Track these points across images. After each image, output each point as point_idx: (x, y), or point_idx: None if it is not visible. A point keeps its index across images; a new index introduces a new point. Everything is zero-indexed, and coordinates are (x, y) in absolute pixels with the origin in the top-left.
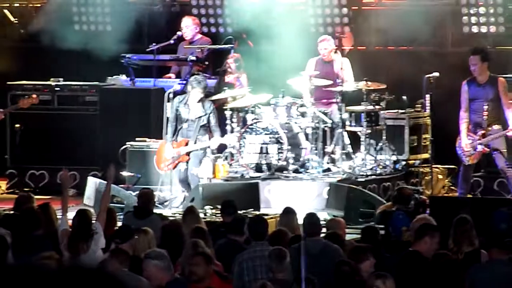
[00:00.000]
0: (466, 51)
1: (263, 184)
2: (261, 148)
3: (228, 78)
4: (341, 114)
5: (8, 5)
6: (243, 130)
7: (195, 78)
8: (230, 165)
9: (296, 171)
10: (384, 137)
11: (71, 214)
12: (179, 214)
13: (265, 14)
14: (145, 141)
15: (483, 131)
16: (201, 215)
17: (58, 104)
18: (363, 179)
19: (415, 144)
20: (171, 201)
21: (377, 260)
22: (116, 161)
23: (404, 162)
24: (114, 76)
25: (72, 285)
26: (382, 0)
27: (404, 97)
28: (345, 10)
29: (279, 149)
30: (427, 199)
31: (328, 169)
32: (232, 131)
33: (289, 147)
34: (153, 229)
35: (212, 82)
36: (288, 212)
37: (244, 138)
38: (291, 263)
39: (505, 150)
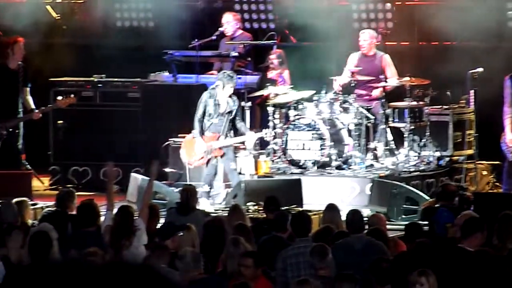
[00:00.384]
0: (511, 46)
1: (306, 180)
2: (304, 144)
3: (270, 74)
4: (384, 110)
5: (50, 1)
6: (285, 126)
7: (226, 74)
8: (273, 161)
9: (339, 167)
10: (427, 133)
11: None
12: (222, 210)
13: (308, 9)
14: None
15: None
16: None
17: (101, 100)
18: (406, 176)
19: (459, 140)
20: (214, 197)
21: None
22: (159, 157)
23: (448, 158)
24: (157, 73)
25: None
26: None
27: (448, 93)
28: (388, 5)
29: (321, 145)
30: (471, 195)
31: (371, 165)
32: (274, 127)
33: (332, 143)
34: (196, 226)
35: (254, 78)
36: (332, 209)
37: (287, 134)
38: (335, 260)
39: None
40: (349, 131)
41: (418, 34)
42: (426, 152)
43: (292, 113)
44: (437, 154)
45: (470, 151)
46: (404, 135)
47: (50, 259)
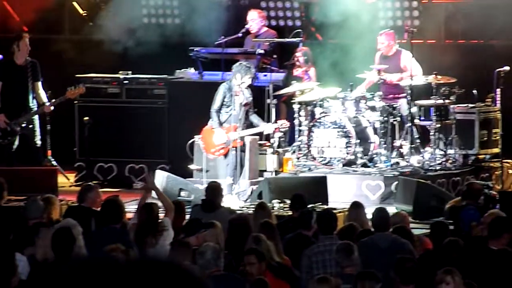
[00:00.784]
0: None
1: (331, 178)
2: (329, 142)
3: (296, 72)
4: (410, 108)
5: None
6: (311, 124)
7: (243, 65)
8: (298, 158)
9: (364, 165)
10: (453, 132)
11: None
12: (247, 207)
13: (334, 7)
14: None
15: None
16: None
17: (127, 97)
18: (432, 174)
19: (485, 138)
20: (239, 194)
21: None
22: (184, 154)
23: (473, 157)
24: (183, 69)
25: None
26: None
27: (475, 91)
28: (415, 3)
29: (347, 143)
30: (497, 194)
31: (397, 164)
32: (300, 125)
33: (358, 141)
34: (221, 223)
35: (280, 75)
36: (357, 206)
37: (312, 131)
38: (360, 258)
39: None
40: (375, 129)
41: (445, 32)
42: (452, 151)
43: (317, 110)
44: (463, 152)
45: (496, 150)
46: (430, 133)
47: (73, 255)
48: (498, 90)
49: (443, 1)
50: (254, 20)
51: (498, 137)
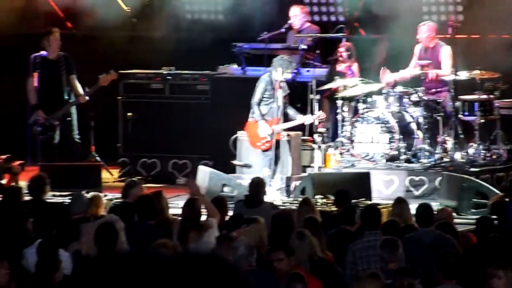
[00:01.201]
0: None
1: (375, 173)
2: (372, 137)
3: (339, 67)
4: (453, 103)
5: None
6: (354, 119)
7: (285, 59)
8: (341, 154)
9: (408, 160)
10: (498, 127)
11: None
12: (290, 203)
13: (378, 2)
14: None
15: None
16: None
17: (170, 93)
18: (476, 169)
19: None
20: (283, 190)
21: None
22: (227, 150)
23: None
24: (225, 65)
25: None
26: None
27: None
28: None
29: (390, 138)
30: None
31: (441, 159)
32: (343, 121)
33: (401, 136)
34: (264, 218)
35: (322, 71)
36: (401, 202)
37: (355, 127)
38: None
39: None
40: (418, 124)
41: (489, 26)
42: (496, 146)
43: (361, 106)
44: (508, 147)
45: None
46: (474, 129)
47: (116, 250)
48: None
49: None
50: (297, 16)
51: None
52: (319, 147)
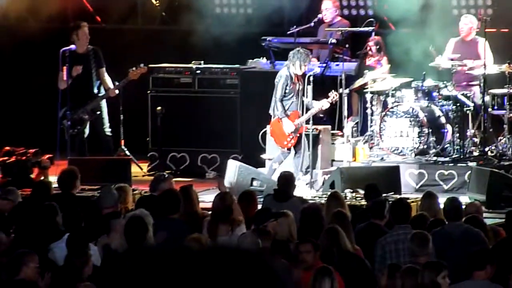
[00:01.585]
0: None
1: (404, 167)
2: (402, 131)
3: (368, 61)
4: (483, 97)
5: None
6: (383, 113)
7: (303, 52)
8: (370, 148)
9: (437, 154)
10: None
11: (211, 197)
12: (319, 197)
13: None
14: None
15: None
16: None
17: (199, 87)
18: (505, 163)
19: None
20: (311, 184)
21: None
22: (256, 144)
23: None
24: (255, 59)
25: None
26: None
27: None
28: None
29: (419, 132)
30: None
31: (470, 153)
32: (372, 115)
33: (430, 130)
34: (293, 212)
35: (352, 65)
36: (429, 196)
37: (385, 121)
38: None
39: None
40: (448, 118)
41: None
42: None
43: (390, 100)
44: None
45: None
46: (504, 122)
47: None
48: None
49: None
50: (328, 9)
51: None
52: (349, 141)
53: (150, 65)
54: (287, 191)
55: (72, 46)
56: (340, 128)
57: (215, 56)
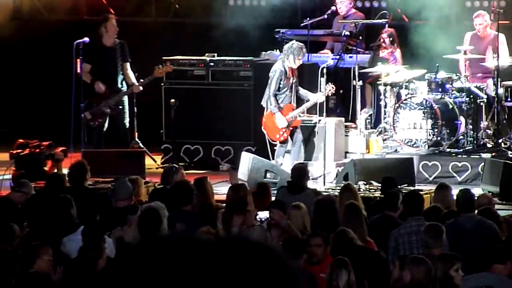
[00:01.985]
0: None
1: (418, 159)
2: (415, 123)
3: (382, 53)
4: (496, 89)
5: None
6: (397, 105)
7: (296, 46)
8: (384, 140)
9: (450, 146)
10: None
11: (225, 189)
12: (332, 189)
13: None
14: (299, 116)
15: None
16: None
17: (212, 79)
18: None
19: None
20: (325, 176)
21: None
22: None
23: None
24: (268, 51)
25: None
26: None
27: None
28: None
29: (433, 124)
30: None
31: (483, 145)
32: (385, 107)
33: (444, 122)
34: (307, 204)
35: (365, 57)
36: (443, 188)
37: (398, 113)
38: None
39: None
40: (461, 110)
41: None
42: None
43: (403, 92)
44: None
45: None
46: None
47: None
48: None
49: None
50: (343, 2)
51: None
52: (362, 133)
53: (164, 58)
54: (300, 183)
55: (86, 39)
56: (354, 120)
57: (229, 48)
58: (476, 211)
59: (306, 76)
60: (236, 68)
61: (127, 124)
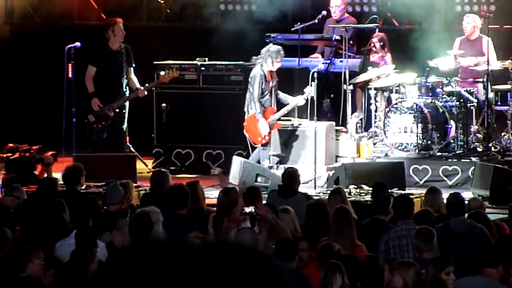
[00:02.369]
0: None
1: (408, 163)
2: (406, 127)
3: (372, 57)
4: (487, 93)
5: None
6: (387, 109)
7: (273, 49)
8: (375, 144)
9: (441, 150)
10: None
11: (216, 193)
12: (323, 193)
13: None
14: (289, 120)
15: None
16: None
17: (203, 83)
18: (509, 159)
19: None
20: (315, 180)
21: None
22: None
23: None
24: (259, 56)
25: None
26: None
27: None
28: None
29: (423, 128)
30: None
31: (474, 149)
32: (376, 111)
33: (434, 126)
34: (298, 208)
35: (356, 61)
36: (433, 192)
37: (389, 117)
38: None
39: None
40: (451, 114)
41: None
42: None
43: (394, 96)
44: None
45: None
46: (507, 118)
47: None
48: None
49: None
50: (338, 6)
51: None
52: (353, 136)
53: (155, 62)
54: (291, 187)
55: (77, 44)
56: (345, 124)
57: (220, 52)
58: (466, 215)
59: (297, 81)
60: (227, 72)
61: (125, 129)
